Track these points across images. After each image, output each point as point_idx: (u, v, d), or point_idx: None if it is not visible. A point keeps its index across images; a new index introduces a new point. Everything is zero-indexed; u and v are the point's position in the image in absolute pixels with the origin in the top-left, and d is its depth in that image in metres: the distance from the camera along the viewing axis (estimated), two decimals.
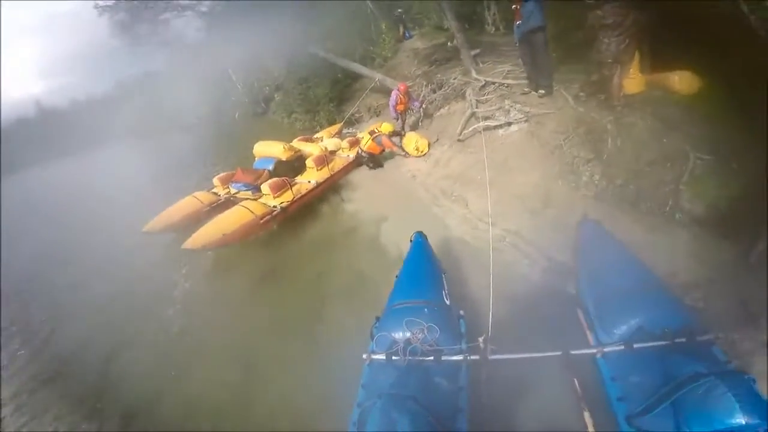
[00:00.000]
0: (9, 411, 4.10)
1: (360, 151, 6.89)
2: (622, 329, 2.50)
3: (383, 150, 6.85)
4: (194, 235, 5.05)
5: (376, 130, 6.90)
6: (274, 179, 6.07)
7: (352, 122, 9.70)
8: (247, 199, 5.98)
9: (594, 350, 2.50)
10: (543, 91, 5.65)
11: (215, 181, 6.74)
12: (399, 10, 12.11)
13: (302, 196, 6.07)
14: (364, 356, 2.63)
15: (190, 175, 9.46)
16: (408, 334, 2.59)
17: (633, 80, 5.05)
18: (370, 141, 6.80)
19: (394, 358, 2.52)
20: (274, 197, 5.83)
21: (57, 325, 5.34)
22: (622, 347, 2.40)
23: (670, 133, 4.63)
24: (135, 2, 13.96)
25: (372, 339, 2.72)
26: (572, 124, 5.03)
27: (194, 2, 14.44)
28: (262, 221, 5.42)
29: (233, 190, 6.46)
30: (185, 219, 5.87)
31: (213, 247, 5.12)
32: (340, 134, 8.62)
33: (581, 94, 5.36)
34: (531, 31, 5.21)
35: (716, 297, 3.20)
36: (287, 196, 5.89)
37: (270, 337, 4.06)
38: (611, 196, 4.33)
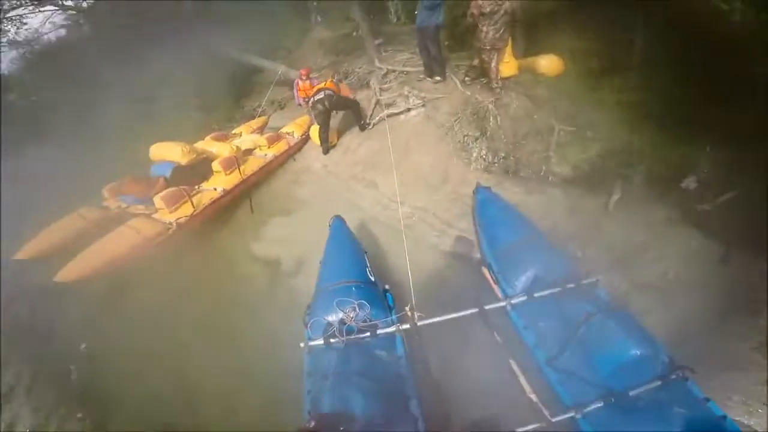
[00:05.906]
0: None
1: (323, 92, 5.85)
2: (521, 281, 2.86)
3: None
4: (69, 265, 4.20)
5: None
6: (170, 189, 5.09)
7: (253, 117, 8.92)
8: (140, 214, 5.05)
9: (503, 303, 2.77)
10: (438, 78, 6.07)
11: (104, 192, 5.58)
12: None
13: (205, 208, 5.19)
14: (302, 345, 2.60)
15: (72, 188, 8.03)
16: (341, 315, 2.62)
17: (507, 64, 5.69)
18: (329, 81, 6.03)
19: (332, 340, 2.53)
20: (170, 212, 4.90)
21: None
22: (525, 297, 2.72)
23: (538, 110, 5.48)
24: None
25: (306, 326, 2.70)
26: (461, 106, 5.60)
27: None
28: (153, 242, 4.58)
29: (123, 204, 5.40)
30: (68, 241, 4.76)
31: (90, 278, 4.24)
32: (262, 130, 7.56)
33: (467, 78, 5.95)
34: (426, 27, 5.56)
35: (589, 245, 3.86)
36: (186, 210, 4.99)
37: (202, 348, 3.73)
38: (497, 168, 5.02)
